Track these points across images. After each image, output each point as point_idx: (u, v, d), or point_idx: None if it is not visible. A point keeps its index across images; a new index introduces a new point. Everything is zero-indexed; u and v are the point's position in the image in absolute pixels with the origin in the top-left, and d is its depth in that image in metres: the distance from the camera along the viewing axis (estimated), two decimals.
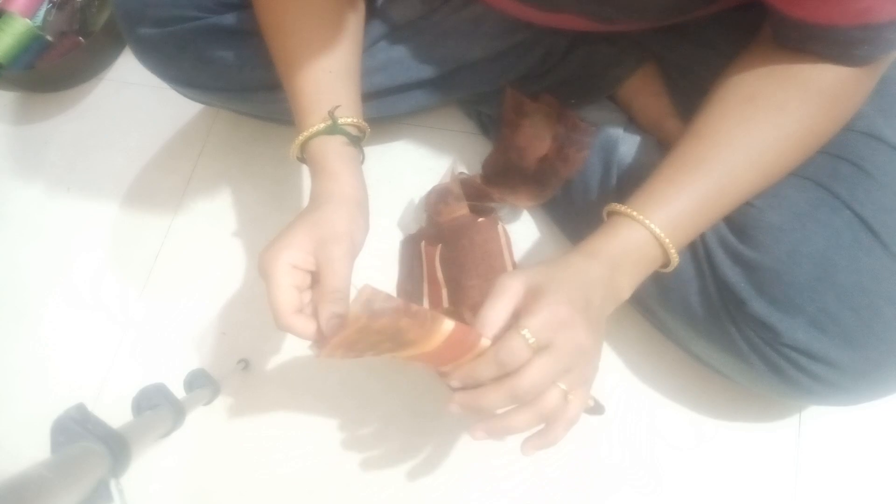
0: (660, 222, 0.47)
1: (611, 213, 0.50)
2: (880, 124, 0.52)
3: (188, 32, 0.64)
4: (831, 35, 0.44)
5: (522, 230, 0.75)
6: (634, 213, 0.47)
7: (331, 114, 0.54)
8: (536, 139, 0.71)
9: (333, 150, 0.55)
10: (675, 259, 0.49)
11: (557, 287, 0.44)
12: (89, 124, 0.95)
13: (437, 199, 0.74)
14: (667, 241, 0.47)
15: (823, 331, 0.50)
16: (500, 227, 0.72)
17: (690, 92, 0.65)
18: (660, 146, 0.67)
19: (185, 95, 0.74)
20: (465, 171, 0.79)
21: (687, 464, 0.65)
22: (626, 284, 0.48)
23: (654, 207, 0.48)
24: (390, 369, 0.73)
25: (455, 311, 0.69)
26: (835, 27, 0.43)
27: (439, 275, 0.72)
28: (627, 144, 0.66)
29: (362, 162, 0.57)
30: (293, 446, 0.71)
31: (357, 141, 0.56)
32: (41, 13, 0.95)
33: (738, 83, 0.49)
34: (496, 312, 0.43)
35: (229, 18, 0.64)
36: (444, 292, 0.71)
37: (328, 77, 0.56)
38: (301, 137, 0.56)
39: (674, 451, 0.65)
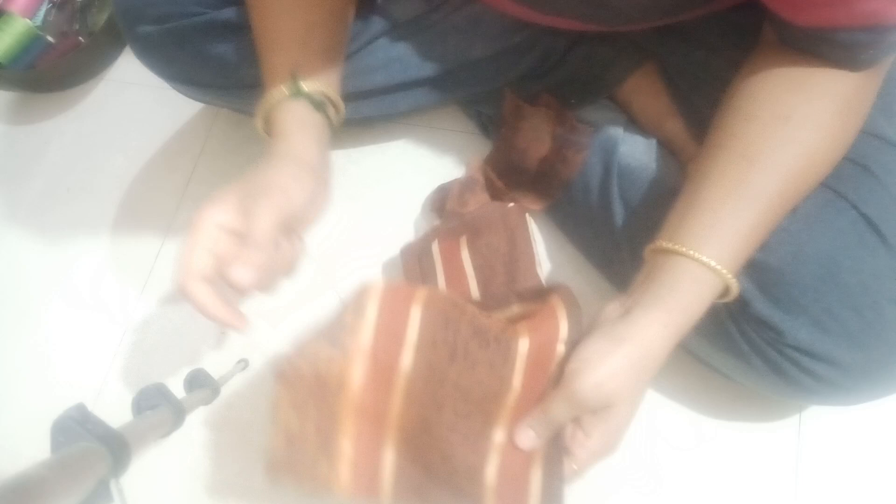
0: (717, 257, 0.44)
1: (662, 251, 0.47)
2: (882, 124, 0.52)
3: (187, 28, 0.64)
4: (837, 38, 0.44)
5: None
6: (703, 258, 0.44)
7: (293, 74, 0.51)
8: (536, 140, 0.71)
9: (293, 114, 0.52)
10: (734, 290, 0.46)
11: (627, 410, 0.45)
12: (89, 124, 0.95)
13: (463, 189, 0.71)
14: (729, 277, 0.45)
15: (826, 331, 0.50)
16: (526, 215, 0.70)
17: (689, 92, 0.65)
18: (660, 146, 0.67)
19: (185, 94, 0.74)
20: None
21: (687, 464, 0.65)
22: (691, 327, 0.46)
23: (708, 246, 0.45)
24: None
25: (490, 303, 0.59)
26: (841, 30, 0.43)
27: (467, 268, 0.67)
28: (627, 145, 0.66)
29: (330, 132, 0.55)
30: None
31: (321, 107, 0.53)
32: (41, 13, 0.95)
33: (766, 98, 0.47)
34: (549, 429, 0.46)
35: (228, 13, 0.64)
36: (474, 284, 0.66)
37: (302, 51, 0.54)
38: (266, 104, 0.53)
39: (674, 451, 0.65)
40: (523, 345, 0.50)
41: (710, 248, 0.45)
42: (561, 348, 0.49)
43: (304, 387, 0.49)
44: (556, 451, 0.47)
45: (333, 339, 0.50)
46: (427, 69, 0.70)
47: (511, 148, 0.72)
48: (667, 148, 0.66)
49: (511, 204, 0.69)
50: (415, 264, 0.72)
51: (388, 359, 0.50)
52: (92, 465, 0.43)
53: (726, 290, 0.46)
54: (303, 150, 0.51)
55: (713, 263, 0.44)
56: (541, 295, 0.55)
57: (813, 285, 0.50)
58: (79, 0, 0.98)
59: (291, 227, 0.50)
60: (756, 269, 0.51)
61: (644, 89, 0.69)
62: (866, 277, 0.49)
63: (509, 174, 0.73)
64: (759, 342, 0.52)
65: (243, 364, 0.75)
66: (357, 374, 0.49)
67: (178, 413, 0.55)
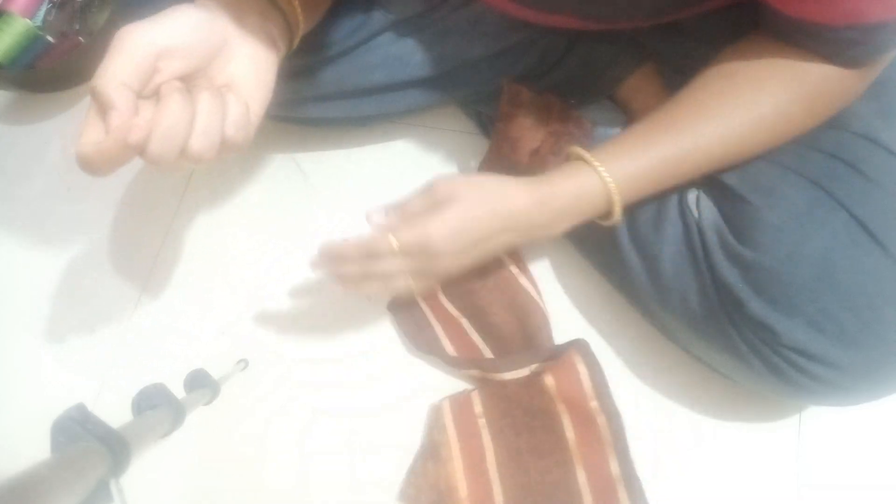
0: (615, 174, 0.50)
1: (572, 156, 0.53)
2: (878, 126, 0.52)
3: None
4: (823, 33, 0.45)
5: None
6: (595, 163, 0.50)
7: None
8: (530, 129, 0.70)
9: None
10: (617, 216, 0.52)
11: (465, 215, 0.50)
12: None
13: None
14: (615, 196, 0.50)
15: (822, 331, 0.50)
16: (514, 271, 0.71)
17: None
18: None
19: None
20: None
21: (687, 464, 0.65)
22: (561, 229, 0.53)
23: (614, 159, 0.50)
24: (395, 367, 0.73)
25: (490, 333, 0.70)
26: (825, 26, 0.44)
27: (476, 339, 0.70)
28: None
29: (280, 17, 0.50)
30: (293, 446, 0.71)
31: None
32: (41, 13, 0.95)
33: (725, 62, 0.51)
34: (404, 213, 0.52)
35: None
36: (465, 323, 0.71)
37: None
38: None
39: (674, 451, 0.65)
40: (561, 406, 0.65)
41: (607, 158, 0.50)
42: (594, 404, 0.64)
43: (425, 500, 0.64)
44: (635, 479, 0.62)
45: (434, 456, 0.66)
46: (427, 68, 0.70)
47: (504, 139, 0.72)
48: None
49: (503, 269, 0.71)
50: (405, 314, 0.73)
51: (476, 454, 0.66)
52: (92, 465, 0.43)
53: (610, 209, 0.51)
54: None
55: (601, 169, 0.50)
56: (559, 352, 0.67)
57: (808, 286, 0.50)
58: (79, 0, 0.98)
59: (202, 78, 0.44)
60: (751, 269, 0.51)
61: (643, 88, 0.69)
62: (862, 278, 0.49)
63: (498, 172, 0.73)
64: (757, 343, 0.52)
65: (243, 364, 0.75)
66: (460, 475, 0.65)
67: (178, 413, 0.55)
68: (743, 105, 0.49)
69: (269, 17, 0.48)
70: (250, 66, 0.45)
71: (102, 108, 0.40)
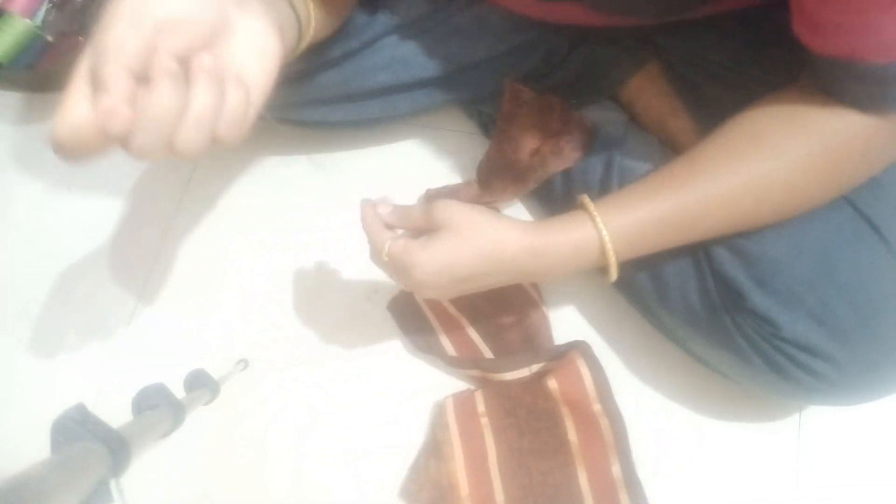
0: (614, 232, 0.48)
1: (580, 205, 0.51)
2: None
3: None
4: (861, 71, 0.40)
5: None
6: (597, 217, 0.48)
7: None
8: (531, 129, 0.71)
9: None
10: (613, 274, 0.50)
11: (452, 253, 0.49)
12: None
13: None
14: (612, 258, 0.49)
15: (822, 324, 0.50)
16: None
17: (692, 87, 0.65)
18: (662, 146, 0.67)
19: None
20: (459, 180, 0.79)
21: (687, 464, 0.65)
22: (554, 277, 0.51)
23: (616, 214, 0.48)
24: (395, 367, 0.73)
25: (497, 342, 0.70)
26: (864, 61, 0.39)
27: (476, 340, 0.71)
28: (629, 144, 0.66)
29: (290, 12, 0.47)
30: (293, 446, 0.71)
31: None
32: (41, 13, 0.95)
33: (751, 118, 0.47)
34: (402, 220, 0.53)
35: None
36: (465, 322, 0.71)
37: None
38: None
39: (674, 451, 0.65)
40: (564, 409, 0.65)
41: (609, 215, 0.48)
42: (597, 407, 0.65)
43: (427, 498, 0.65)
44: (636, 482, 0.62)
45: (436, 453, 0.66)
46: (430, 70, 0.70)
47: (505, 139, 0.72)
48: (669, 147, 0.66)
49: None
50: (407, 315, 0.73)
51: (478, 452, 0.66)
52: (92, 465, 0.43)
53: (605, 265, 0.50)
54: None
55: (600, 225, 0.48)
56: (559, 353, 0.67)
57: (809, 278, 0.50)
58: (79, 0, 0.98)
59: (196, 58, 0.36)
60: (752, 260, 0.51)
61: (647, 89, 0.69)
62: (863, 273, 0.49)
63: (499, 170, 0.73)
64: (756, 337, 0.52)
65: (243, 364, 0.75)
66: (461, 473, 0.65)
67: (178, 413, 0.55)
68: (750, 161, 0.45)
69: (277, 8, 0.45)
70: (253, 50, 0.39)
71: (94, 86, 0.35)
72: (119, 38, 0.33)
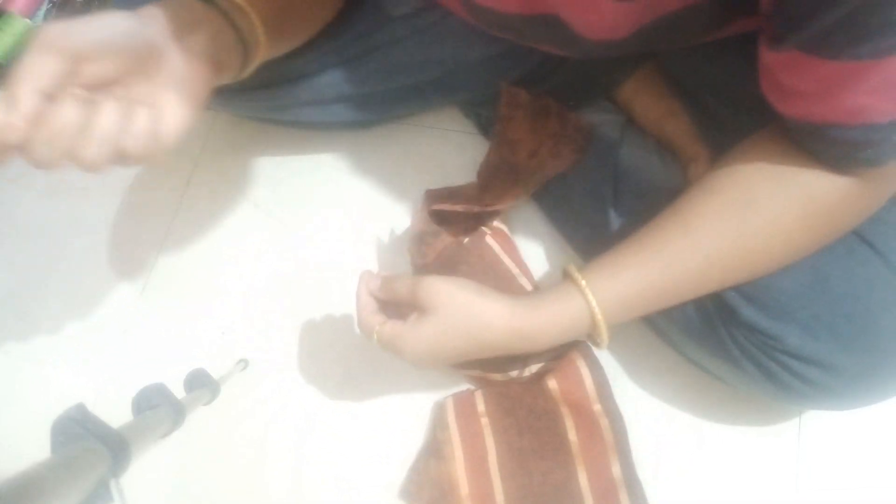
0: (602, 300, 0.48)
1: (566, 276, 0.51)
2: None
3: None
4: (829, 134, 0.40)
5: (521, 230, 0.75)
6: (586, 289, 0.49)
7: None
8: (529, 132, 0.70)
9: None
10: (604, 342, 0.51)
11: (439, 333, 0.50)
12: None
13: (416, 245, 0.71)
14: (603, 327, 0.49)
15: (816, 337, 0.49)
16: (486, 238, 0.71)
17: (695, 89, 0.65)
18: (660, 147, 0.67)
19: None
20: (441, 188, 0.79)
21: (687, 467, 0.65)
22: (542, 349, 0.52)
23: (604, 282, 0.49)
24: (395, 367, 0.73)
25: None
26: (833, 126, 0.40)
27: None
28: (627, 146, 0.66)
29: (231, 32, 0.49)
30: (293, 446, 0.71)
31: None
32: (41, 13, 0.95)
33: (738, 180, 0.47)
34: (390, 295, 0.53)
35: None
36: None
37: None
38: None
39: (674, 454, 0.65)
40: (564, 409, 0.65)
41: (597, 283, 0.49)
42: (597, 407, 0.64)
43: (427, 498, 0.65)
44: (636, 482, 0.62)
45: (436, 453, 0.66)
46: (426, 72, 0.70)
47: (503, 142, 0.72)
48: (667, 149, 0.66)
49: (466, 240, 0.70)
50: None
51: (478, 452, 0.66)
52: (92, 465, 0.43)
53: (597, 334, 0.50)
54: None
55: (590, 297, 0.48)
56: (559, 353, 0.67)
57: (800, 292, 0.49)
58: (79, 0, 0.98)
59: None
60: None
61: (644, 90, 0.69)
62: (857, 287, 0.49)
63: (498, 173, 0.73)
64: (750, 347, 0.52)
65: (243, 364, 0.75)
66: (461, 473, 0.65)
67: (178, 413, 0.55)
68: (745, 243, 0.46)
69: (220, 40, 0.48)
70: (178, 83, 0.44)
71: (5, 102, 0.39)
72: (34, 62, 0.38)
